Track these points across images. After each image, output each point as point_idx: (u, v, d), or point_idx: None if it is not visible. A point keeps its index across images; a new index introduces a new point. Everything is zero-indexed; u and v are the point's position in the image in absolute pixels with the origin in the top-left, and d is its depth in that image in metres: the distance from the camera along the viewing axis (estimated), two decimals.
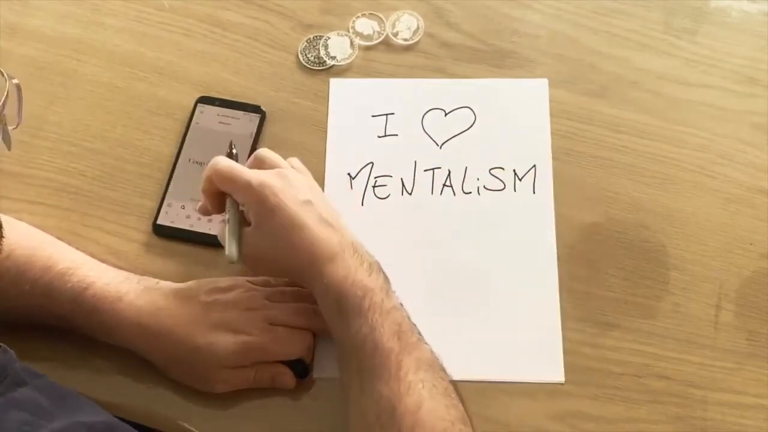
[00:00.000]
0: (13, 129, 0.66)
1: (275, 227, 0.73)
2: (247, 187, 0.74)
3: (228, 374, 0.75)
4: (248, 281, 0.78)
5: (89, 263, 0.78)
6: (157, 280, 0.78)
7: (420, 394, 0.67)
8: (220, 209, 0.77)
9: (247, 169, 0.76)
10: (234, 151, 0.80)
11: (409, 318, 0.72)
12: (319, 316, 0.76)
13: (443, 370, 0.71)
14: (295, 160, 0.82)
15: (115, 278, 0.76)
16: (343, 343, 0.71)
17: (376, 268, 0.73)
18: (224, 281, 0.78)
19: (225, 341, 0.73)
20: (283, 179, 0.75)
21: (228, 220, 0.75)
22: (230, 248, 0.74)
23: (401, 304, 0.73)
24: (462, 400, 0.70)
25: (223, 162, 0.75)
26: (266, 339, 0.74)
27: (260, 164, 0.78)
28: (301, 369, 0.76)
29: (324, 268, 0.72)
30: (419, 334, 0.72)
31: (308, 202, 0.74)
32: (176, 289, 0.77)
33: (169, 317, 0.74)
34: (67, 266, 0.76)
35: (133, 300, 0.75)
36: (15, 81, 0.64)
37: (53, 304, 0.75)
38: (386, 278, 0.74)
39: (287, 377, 0.76)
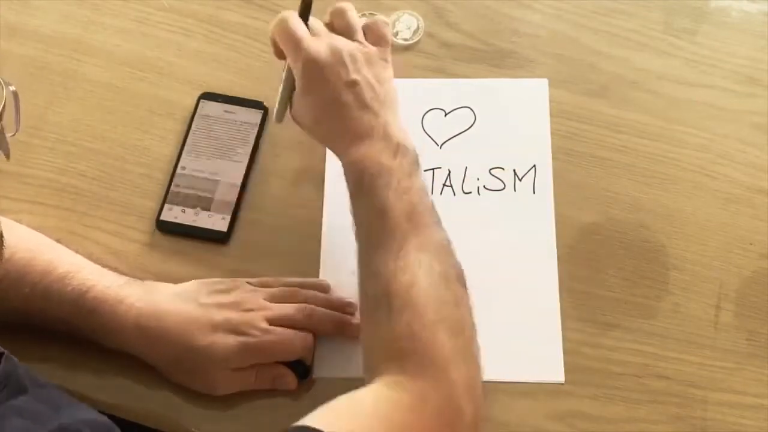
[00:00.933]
0: (12, 136, 0.66)
1: (313, 99, 0.76)
2: (297, 53, 0.75)
3: (229, 376, 0.75)
4: (248, 282, 0.78)
5: (89, 267, 0.78)
6: (157, 282, 0.78)
7: (414, 274, 0.67)
8: (284, 57, 0.79)
9: (306, 35, 0.76)
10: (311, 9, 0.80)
11: (429, 202, 0.73)
12: (318, 317, 0.76)
13: (451, 255, 0.71)
14: (379, 23, 0.82)
15: (115, 281, 0.76)
16: (356, 217, 0.73)
17: (403, 151, 0.74)
18: (224, 282, 0.78)
19: (225, 342, 0.73)
20: (336, 55, 0.76)
21: (282, 79, 0.79)
22: (277, 110, 0.80)
23: (424, 188, 0.73)
24: (466, 287, 0.71)
25: (288, 20, 0.76)
26: (266, 340, 0.74)
27: (336, 20, 0.80)
28: (301, 370, 0.76)
29: (349, 147, 0.74)
30: (436, 218, 0.73)
31: (353, 83, 0.76)
32: (176, 291, 0.77)
33: (170, 319, 0.74)
34: (67, 269, 0.76)
35: (134, 302, 0.75)
36: (12, 88, 0.64)
37: (53, 308, 0.75)
38: (414, 162, 0.74)
39: (288, 378, 0.76)
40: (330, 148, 0.80)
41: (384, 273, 0.68)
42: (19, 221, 0.82)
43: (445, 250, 0.71)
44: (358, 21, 0.80)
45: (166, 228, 0.84)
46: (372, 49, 0.79)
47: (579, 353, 0.78)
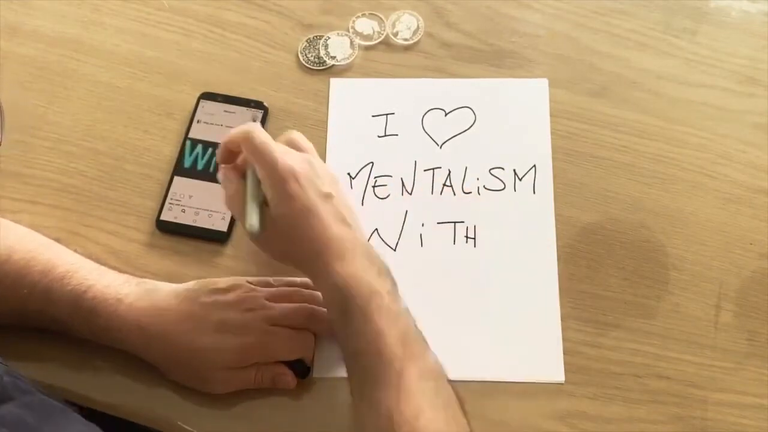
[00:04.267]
0: None
1: (291, 214, 0.72)
2: (273, 166, 0.72)
3: (229, 375, 0.75)
4: (248, 281, 0.78)
5: (88, 266, 0.78)
6: (156, 282, 0.78)
7: (419, 405, 0.65)
8: (230, 161, 0.76)
9: (278, 148, 0.74)
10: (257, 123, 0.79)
11: (415, 325, 0.70)
12: (318, 317, 0.76)
13: (447, 381, 0.69)
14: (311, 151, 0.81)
15: (114, 280, 0.76)
16: (347, 345, 0.70)
17: (385, 271, 0.72)
18: (224, 282, 0.77)
19: (225, 342, 0.73)
20: (310, 167, 0.74)
21: (247, 188, 0.74)
22: (251, 219, 0.71)
23: (407, 309, 0.71)
24: (465, 413, 0.68)
25: (259, 133, 0.73)
26: (266, 340, 0.74)
27: (290, 146, 0.78)
28: (301, 369, 0.76)
29: (332, 266, 0.70)
30: (425, 342, 0.70)
31: (329, 196, 0.74)
32: (176, 290, 0.77)
33: (169, 319, 0.74)
34: (66, 269, 0.76)
35: (133, 302, 0.75)
36: None
37: (52, 308, 0.75)
38: (394, 282, 0.72)
39: (288, 378, 0.76)
40: (306, 271, 0.74)
41: (386, 403, 0.65)
42: (19, 221, 0.82)
43: (442, 376, 0.69)
44: (311, 146, 0.79)
45: (166, 228, 0.84)
46: (330, 170, 0.79)
47: (579, 353, 0.78)
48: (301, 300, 0.77)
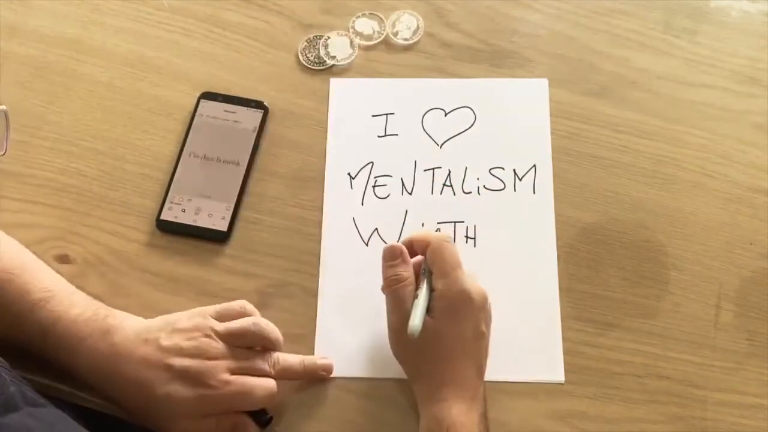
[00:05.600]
0: (2, 155, 0.65)
1: (447, 330, 0.72)
2: (453, 278, 0.72)
3: (188, 424, 0.72)
4: (210, 315, 0.75)
5: (61, 293, 0.75)
6: (123, 316, 0.75)
7: None
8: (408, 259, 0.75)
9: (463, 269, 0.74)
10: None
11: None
12: (281, 364, 0.75)
13: None
14: None
15: (82, 314, 0.74)
16: None
17: (487, 424, 0.73)
18: (185, 321, 0.74)
19: (183, 393, 0.71)
20: (484, 300, 0.74)
21: (422, 291, 0.73)
22: (414, 320, 0.71)
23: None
24: None
25: (451, 244, 0.74)
26: (225, 392, 0.71)
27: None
28: (262, 419, 0.74)
29: (447, 400, 0.71)
30: None
31: (482, 335, 0.74)
32: (139, 329, 0.74)
33: (128, 365, 0.71)
34: (39, 297, 0.73)
35: (94, 344, 0.72)
36: (3, 107, 0.63)
37: (23, 337, 0.73)
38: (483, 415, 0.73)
39: (248, 428, 0.73)
40: (420, 388, 0.74)
41: None
42: (20, 221, 0.82)
43: None
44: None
45: (166, 227, 0.84)
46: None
47: (579, 353, 0.78)
48: (259, 339, 0.75)
